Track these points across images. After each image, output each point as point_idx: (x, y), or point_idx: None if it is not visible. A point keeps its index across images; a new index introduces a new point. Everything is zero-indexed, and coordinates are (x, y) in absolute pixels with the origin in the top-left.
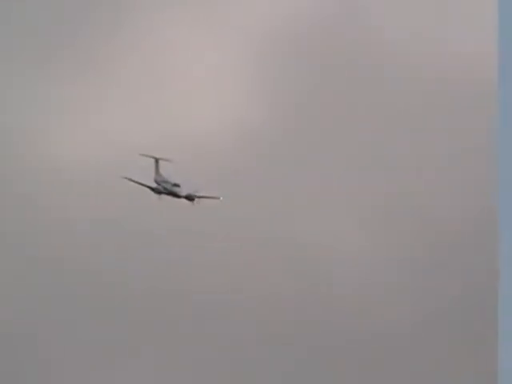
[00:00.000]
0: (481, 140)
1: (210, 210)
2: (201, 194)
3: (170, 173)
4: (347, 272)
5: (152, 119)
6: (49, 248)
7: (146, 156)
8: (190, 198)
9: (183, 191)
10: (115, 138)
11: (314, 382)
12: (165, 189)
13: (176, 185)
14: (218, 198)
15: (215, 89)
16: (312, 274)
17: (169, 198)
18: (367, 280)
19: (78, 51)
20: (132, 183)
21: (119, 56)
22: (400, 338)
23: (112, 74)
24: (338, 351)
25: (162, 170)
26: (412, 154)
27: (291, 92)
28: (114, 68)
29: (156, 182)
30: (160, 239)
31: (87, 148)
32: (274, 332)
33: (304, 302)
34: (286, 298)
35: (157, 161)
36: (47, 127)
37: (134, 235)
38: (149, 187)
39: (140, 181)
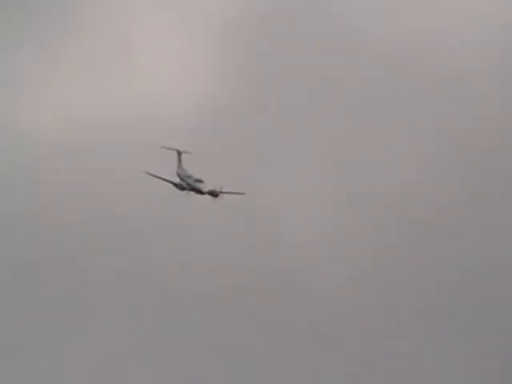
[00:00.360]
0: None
1: None
2: (224, 190)
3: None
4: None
5: (119, 96)
6: (66, 245)
7: (168, 148)
8: (213, 194)
9: (206, 187)
10: (80, 114)
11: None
12: (188, 184)
13: (199, 180)
14: (243, 194)
15: (181, 66)
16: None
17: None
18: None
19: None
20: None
21: (89, 38)
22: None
23: (80, 54)
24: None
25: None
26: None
27: (255, 68)
28: (82, 49)
29: (179, 176)
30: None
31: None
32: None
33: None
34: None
35: (179, 153)
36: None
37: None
38: (172, 183)
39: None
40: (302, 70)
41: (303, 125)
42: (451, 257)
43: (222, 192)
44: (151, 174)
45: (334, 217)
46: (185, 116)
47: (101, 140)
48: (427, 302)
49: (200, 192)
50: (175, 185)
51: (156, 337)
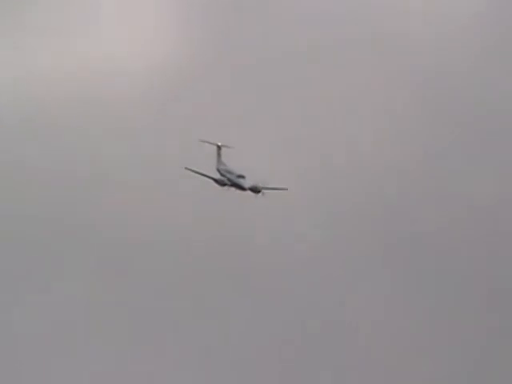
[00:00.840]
0: None
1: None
2: (267, 186)
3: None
4: None
5: (75, 55)
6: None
7: (206, 142)
8: (255, 190)
9: (247, 183)
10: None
11: None
12: (229, 180)
13: (241, 176)
14: (286, 189)
15: (139, 24)
16: None
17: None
18: None
19: None
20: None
21: None
22: None
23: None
24: None
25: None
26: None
27: (216, 28)
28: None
29: (219, 171)
30: None
31: None
32: None
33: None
34: None
35: (219, 147)
36: None
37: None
38: (212, 178)
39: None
40: (272, 29)
41: (273, 86)
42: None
43: (264, 188)
44: (192, 170)
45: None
46: (146, 76)
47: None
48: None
49: (241, 188)
50: (215, 180)
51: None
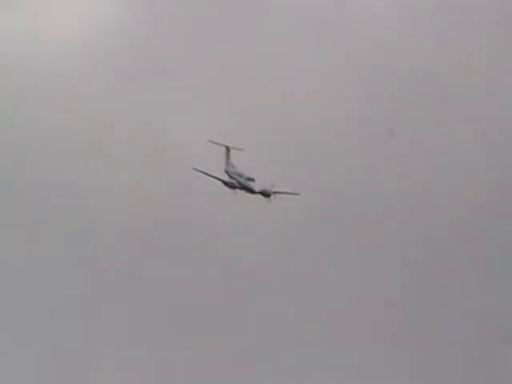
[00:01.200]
0: None
1: None
2: (277, 190)
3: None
4: None
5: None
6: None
7: (215, 143)
8: (265, 193)
9: (257, 186)
10: None
11: None
12: (238, 183)
13: (250, 179)
14: (297, 194)
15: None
16: None
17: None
18: None
19: None
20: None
21: None
22: None
23: None
24: None
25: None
26: None
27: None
28: None
29: (228, 173)
30: None
31: None
32: None
33: None
34: None
35: (228, 149)
36: None
37: None
38: (222, 181)
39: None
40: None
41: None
42: None
43: (274, 192)
44: (200, 171)
45: None
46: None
47: None
48: None
49: (251, 191)
50: (225, 183)
51: None
